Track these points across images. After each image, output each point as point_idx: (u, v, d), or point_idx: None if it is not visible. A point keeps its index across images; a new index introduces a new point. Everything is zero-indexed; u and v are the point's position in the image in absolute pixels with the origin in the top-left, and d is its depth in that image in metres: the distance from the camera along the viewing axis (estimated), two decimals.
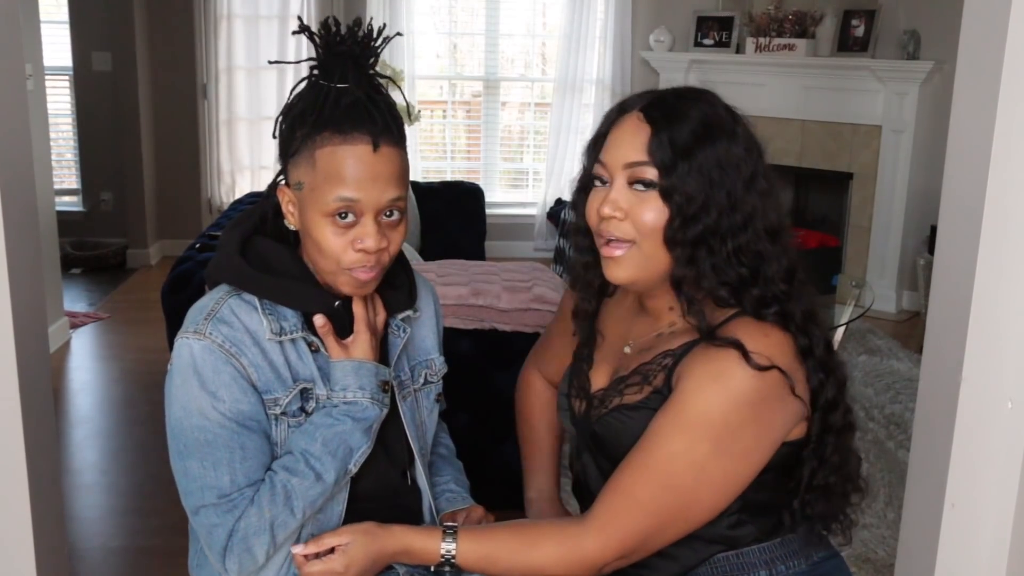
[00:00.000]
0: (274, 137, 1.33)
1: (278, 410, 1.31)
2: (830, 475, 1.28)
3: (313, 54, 1.30)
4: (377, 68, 1.32)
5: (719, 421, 1.19)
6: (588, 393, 1.38)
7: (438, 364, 1.51)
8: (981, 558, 1.41)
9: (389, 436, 1.41)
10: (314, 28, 1.30)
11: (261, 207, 1.39)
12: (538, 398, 1.60)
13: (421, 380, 1.48)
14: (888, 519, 2.97)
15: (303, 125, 1.26)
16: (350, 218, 1.26)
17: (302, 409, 1.32)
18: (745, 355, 1.18)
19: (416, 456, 1.44)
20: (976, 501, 1.40)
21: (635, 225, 1.23)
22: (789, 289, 1.25)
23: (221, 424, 1.27)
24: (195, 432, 1.27)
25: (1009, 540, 1.39)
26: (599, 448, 1.34)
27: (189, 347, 1.27)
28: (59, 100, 5.93)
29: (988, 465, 1.38)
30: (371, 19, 1.34)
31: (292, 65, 5.67)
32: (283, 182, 1.33)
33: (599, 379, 1.38)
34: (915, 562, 1.52)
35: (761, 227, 1.24)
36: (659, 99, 1.27)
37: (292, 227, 1.33)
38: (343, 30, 1.28)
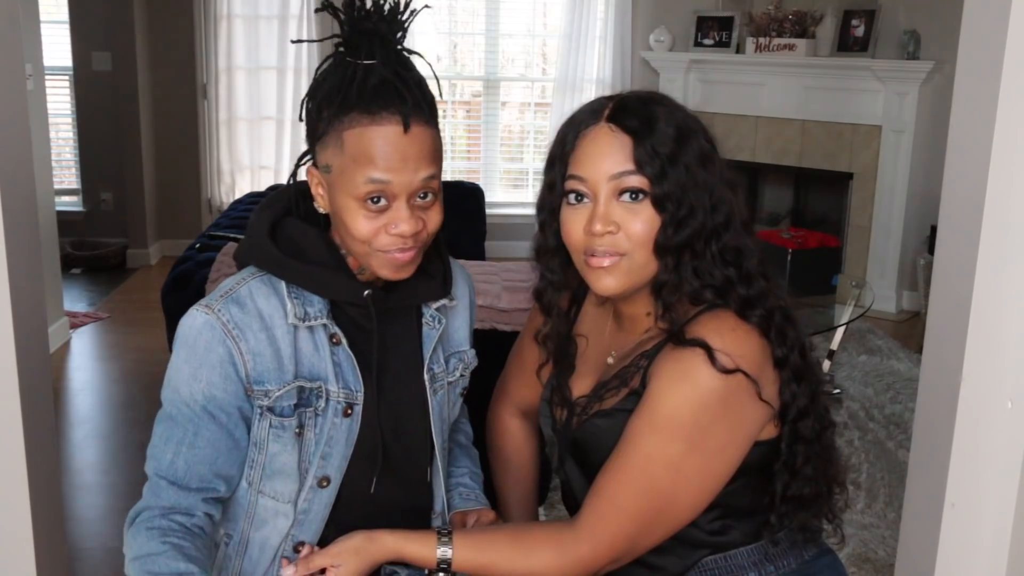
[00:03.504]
0: (300, 120, 1.28)
1: (266, 402, 1.26)
2: (804, 486, 1.27)
3: (337, 31, 1.24)
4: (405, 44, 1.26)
5: (689, 420, 1.18)
6: (569, 401, 1.37)
7: (470, 357, 1.46)
8: (981, 558, 1.41)
9: (414, 436, 1.37)
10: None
11: (290, 189, 1.34)
12: (513, 440, 1.55)
13: (457, 372, 1.43)
14: (888, 519, 2.97)
15: (330, 105, 1.21)
16: (382, 202, 1.20)
17: (295, 409, 1.27)
18: (711, 356, 1.17)
19: (437, 454, 1.40)
20: (976, 501, 1.40)
21: (628, 237, 1.22)
22: (768, 285, 1.25)
23: (187, 403, 1.24)
24: (167, 402, 1.27)
25: (1009, 540, 1.39)
26: (581, 454, 1.34)
27: (193, 318, 1.25)
28: (59, 100, 5.92)
29: (988, 465, 1.38)
30: None
31: (293, 66, 5.77)
32: (310, 162, 1.28)
33: (581, 387, 1.37)
34: (915, 562, 1.52)
35: (739, 221, 1.24)
36: (621, 107, 1.24)
37: (322, 210, 1.28)
38: (368, 4, 1.22)
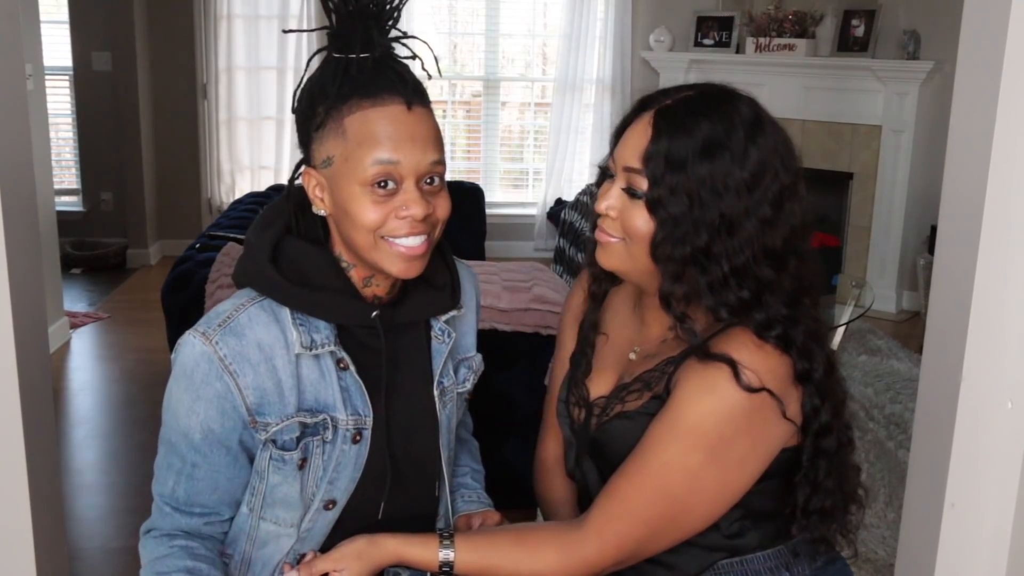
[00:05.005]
0: (293, 112, 1.24)
1: (265, 435, 1.22)
2: (826, 499, 1.27)
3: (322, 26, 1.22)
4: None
5: (712, 431, 1.18)
6: (587, 401, 1.37)
7: (477, 363, 1.44)
8: (981, 558, 1.41)
9: (424, 452, 1.35)
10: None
11: (291, 201, 1.28)
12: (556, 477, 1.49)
13: (468, 382, 1.42)
14: (888, 519, 2.97)
15: (325, 98, 1.18)
16: (390, 186, 1.17)
17: (298, 441, 1.24)
18: (736, 373, 1.17)
19: (444, 465, 1.37)
20: (976, 501, 1.40)
21: (624, 227, 1.23)
22: (793, 313, 1.22)
23: (184, 434, 1.22)
24: (166, 427, 1.25)
25: (1009, 540, 1.39)
26: (600, 455, 1.33)
27: (192, 347, 1.20)
28: (59, 100, 5.93)
29: (988, 465, 1.38)
30: None
31: (293, 66, 5.76)
32: (304, 168, 1.24)
33: (601, 386, 1.37)
34: (915, 562, 1.52)
35: (760, 253, 1.20)
36: (676, 104, 1.23)
37: (322, 212, 1.23)
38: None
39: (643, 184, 1.21)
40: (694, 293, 1.21)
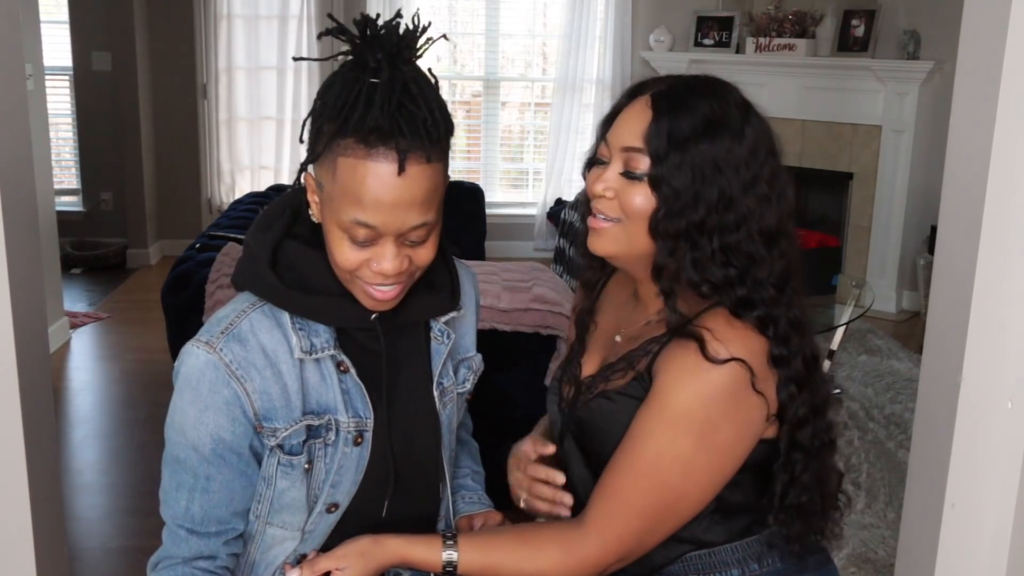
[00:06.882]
0: (305, 122, 1.20)
1: (274, 441, 1.22)
2: (802, 494, 1.26)
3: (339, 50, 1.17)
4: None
5: (699, 415, 1.19)
6: (578, 379, 1.38)
7: (477, 363, 1.44)
8: (981, 558, 1.41)
9: (425, 453, 1.35)
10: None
11: (292, 201, 1.27)
12: None
13: (468, 382, 1.42)
14: (888, 519, 2.97)
15: (332, 121, 1.14)
16: (367, 241, 1.16)
17: (303, 444, 1.23)
18: (703, 347, 1.17)
19: (445, 465, 1.37)
20: (976, 501, 1.40)
21: (622, 207, 1.24)
22: (778, 296, 1.23)
23: (195, 447, 1.20)
24: (172, 445, 1.22)
25: (1009, 540, 1.39)
26: (581, 433, 1.34)
27: (195, 357, 1.19)
28: (59, 100, 5.93)
29: (988, 465, 1.38)
30: (417, 11, 1.24)
31: (292, 66, 5.76)
32: (306, 173, 1.22)
33: (590, 366, 1.38)
34: (915, 562, 1.53)
35: (756, 230, 1.22)
36: (672, 87, 1.26)
37: (315, 219, 1.22)
38: (379, 24, 1.15)
39: (643, 163, 1.22)
40: (681, 268, 1.22)
